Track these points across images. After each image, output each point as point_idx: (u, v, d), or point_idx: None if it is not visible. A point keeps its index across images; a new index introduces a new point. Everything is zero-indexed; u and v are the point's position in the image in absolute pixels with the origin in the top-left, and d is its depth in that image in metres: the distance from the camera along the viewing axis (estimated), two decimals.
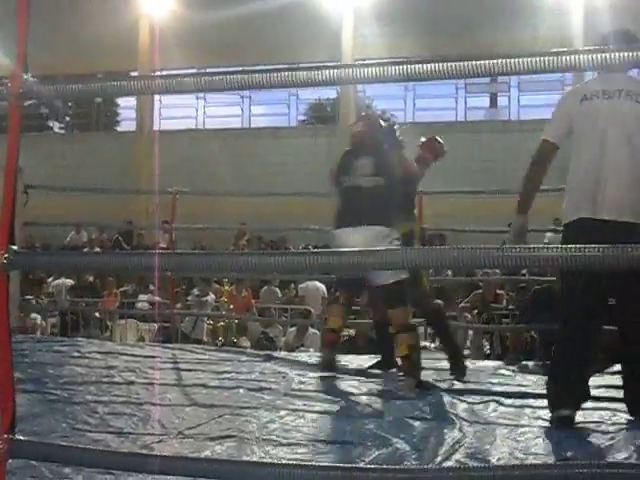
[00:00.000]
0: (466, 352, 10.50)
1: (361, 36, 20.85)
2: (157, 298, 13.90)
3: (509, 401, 5.01)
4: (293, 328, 11.30)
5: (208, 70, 19.99)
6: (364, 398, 5.14)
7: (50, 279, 15.42)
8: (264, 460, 3.51)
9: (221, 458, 3.38)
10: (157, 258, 2.54)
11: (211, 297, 12.64)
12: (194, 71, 20.08)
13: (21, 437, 2.45)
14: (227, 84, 2.42)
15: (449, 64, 2.27)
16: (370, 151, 6.02)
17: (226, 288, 12.56)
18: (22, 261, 2.52)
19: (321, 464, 3.39)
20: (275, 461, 3.39)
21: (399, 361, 5.85)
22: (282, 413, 4.54)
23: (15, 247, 2.42)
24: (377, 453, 3.69)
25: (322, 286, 12.89)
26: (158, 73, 16.70)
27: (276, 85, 2.45)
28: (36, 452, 2.52)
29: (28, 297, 11.97)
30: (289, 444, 3.84)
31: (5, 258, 2.35)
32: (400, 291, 5.71)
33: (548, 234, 15.51)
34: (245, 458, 3.57)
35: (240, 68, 17.38)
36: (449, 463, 3.49)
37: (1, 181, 2.41)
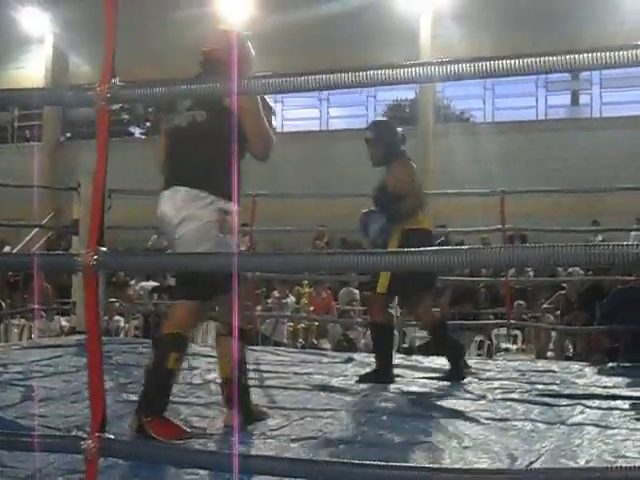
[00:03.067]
0: (549, 353, 10.37)
1: (439, 36, 20.72)
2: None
3: (595, 403, 4.93)
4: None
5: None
6: (445, 399, 5.10)
7: (132, 282, 15.66)
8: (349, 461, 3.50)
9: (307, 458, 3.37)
10: (236, 258, 2.54)
11: (291, 299, 12.70)
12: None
13: (111, 436, 2.50)
14: (310, 84, 2.42)
15: (530, 60, 2.24)
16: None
17: (306, 290, 12.60)
18: (111, 262, 2.56)
19: (409, 465, 3.37)
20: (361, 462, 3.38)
21: None
22: (367, 416, 4.52)
23: (104, 248, 2.47)
24: (466, 455, 3.66)
25: None
26: None
27: (359, 84, 2.43)
28: (126, 451, 2.56)
29: (112, 300, 12.17)
30: (373, 445, 3.82)
31: (95, 259, 2.40)
32: None
33: (633, 233, 15.24)
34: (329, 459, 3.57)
35: None
36: (537, 466, 3.44)
37: (89, 184, 2.45)
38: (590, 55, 2.17)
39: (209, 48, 4.44)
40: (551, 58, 2.21)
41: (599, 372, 6.36)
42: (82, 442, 2.47)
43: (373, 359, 7.07)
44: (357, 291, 13.38)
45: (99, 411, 2.47)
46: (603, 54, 2.16)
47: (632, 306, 7.93)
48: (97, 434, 2.45)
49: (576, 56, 2.19)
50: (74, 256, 2.50)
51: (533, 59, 2.24)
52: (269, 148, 4.26)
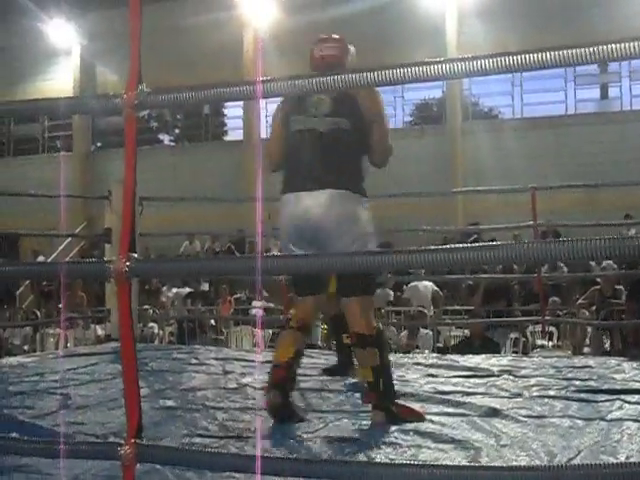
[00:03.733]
0: (586, 349, 10.30)
1: (465, 33, 20.66)
2: (271, 304, 14.07)
3: (635, 398, 4.88)
4: (405, 330, 11.26)
5: None
6: (482, 397, 5.07)
7: (164, 288, 15.74)
8: (386, 462, 3.49)
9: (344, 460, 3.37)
10: (264, 260, 2.54)
11: None
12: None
13: (147, 442, 2.51)
14: (337, 83, 2.41)
15: (555, 52, 2.22)
16: None
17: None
18: (143, 268, 2.57)
19: (446, 464, 3.36)
20: (396, 462, 3.37)
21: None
22: None
23: (136, 255, 2.47)
24: (504, 453, 3.64)
25: (431, 284, 12.81)
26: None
27: (385, 83, 2.42)
28: (162, 457, 2.57)
29: (146, 307, 12.24)
30: (409, 446, 3.81)
31: (127, 266, 2.40)
32: None
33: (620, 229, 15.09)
34: (363, 459, 3.56)
35: None
36: (577, 462, 3.41)
37: (120, 192, 2.46)
38: (617, 46, 2.15)
39: (324, 53, 4.76)
40: (576, 50, 2.20)
41: (637, 367, 6.29)
42: (119, 448, 2.48)
43: (407, 359, 7.08)
44: (390, 292, 13.36)
45: (135, 417, 2.48)
46: (630, 44, 2.14)
47: None
48: (133, 440, 2.45)
49: (602, 47, 2.17)
50: (106, 263, 2.51)
51: (558, 52, 2.22)
52: (388, 157, 4.70)
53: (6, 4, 20.80)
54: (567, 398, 4.97)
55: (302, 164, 4.39)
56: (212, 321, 13.07)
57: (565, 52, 2.22)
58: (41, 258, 18.43)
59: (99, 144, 26.00)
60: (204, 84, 2.55)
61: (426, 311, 11.81)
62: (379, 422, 4.33)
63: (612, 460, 3.45)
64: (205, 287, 15.98)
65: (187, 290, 15.41)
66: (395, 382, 5.65)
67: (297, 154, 4.44)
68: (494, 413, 4.51)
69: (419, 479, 2.29)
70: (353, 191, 4.40)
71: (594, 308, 10.77)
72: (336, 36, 4.94)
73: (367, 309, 4.49)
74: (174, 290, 15.52)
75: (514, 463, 3.45)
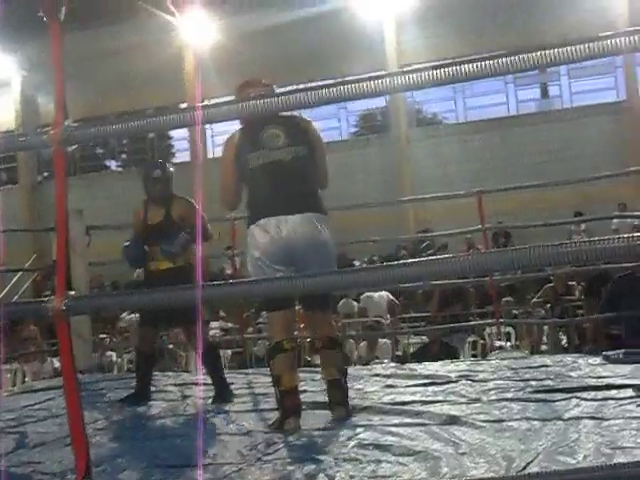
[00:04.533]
0: (543, 347, 10.38)
1: (405, 42, 20.80)
2: (229, 324, 13.99)
3: (591, 395, 4.91)
4: (364, 342, 11.25)
5: None
6: (441, 405, 5.08)
7: (124, 314, 15.57)
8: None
9: None
10: (201, 291, 2.52)
11: None
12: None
13: None
14: (276, 105, 2.41)
15: (498, 60, 2.23)
16: (276, 118, 4.82)
17: (296, 307, 12.55)
18: (81, 305, 2.53)
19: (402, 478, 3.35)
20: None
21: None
22: (359, 430, 4.49)
23: (72, 292, 2.44)
24: (463, 462, 3.63)
25: (386, 293, 12.82)
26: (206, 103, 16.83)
27: (328, 101, 2.42)
28: None
29: (102, 336, 12.12)
30: (369, 461, 3.79)
31: (64, 304, 2.37)
32: None
33: (615, 220, 15.28)
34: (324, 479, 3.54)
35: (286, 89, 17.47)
36: (534, 467, 3.42)
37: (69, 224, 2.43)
38: (555, 51, 2.17)
39: (249, 90, 4.99)
40: (515, 57, 2.21)
41: (593, 363, 6.34)
42: None
43: (365, 371, 7.07)
44: (354, 302, 13.35)
45: (83, 457, 2.43)
46: (570, 48, 2.16)
47: (634, 293, 7.95)
48: None
49: (540, 52, 2.19)
50: (44, 303, 2.47)
51: (498, 60, 2.24)
52: (327, 179, 5.13)
53: None
54: (524, 400, 4.99)
55: (274, 193, 4.74)
56: (170, 345, 12.96)
57: (504, 60, 2.23)
58: None
59: (45, 174, 25.74)
60: (137, 112, 2.53)
61: (383, 320, 11.82)
62: (342, 417, 4.80)
63: (570, 461, 3.46)
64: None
65: (135, 316, 15.26)
66: (354, 395, 5.66)
67: (266, 185, 4.78)
68: (453, 420, 4.51)
69: None
70: (322, 213, 4.85)
71: (549, 306, 10.87)
72: (264, 80, 5.25)
73: (330, 318, 5.15)
74: (129, 316, 15.35)
75: (473, 472, 3.44)
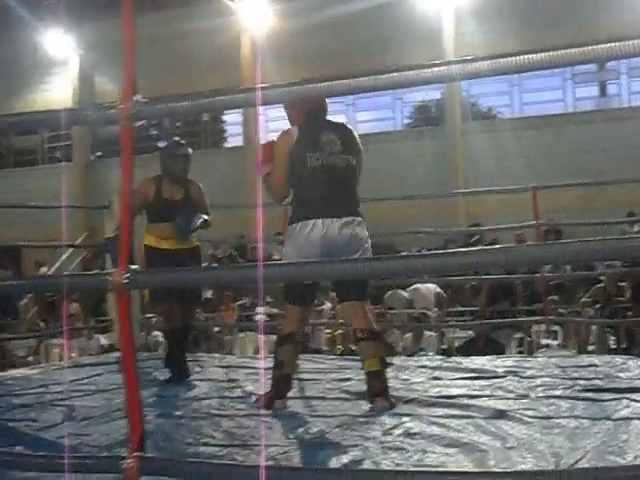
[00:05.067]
0: (590, 347, 10.28)
1: (462, 34, 20.62)
2: (275, 310, 14.03)
3: None
4: (409, 333, 11.23)
5: None
6: (487, 399, 5.05)
7: None
8: (392, 468, 3.47)
9: (353, 468, 3.34)
10: (267, 269, 2.53)
11: (327, 305, 12.67)
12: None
13: (151, 454, 2.49)
14: (333, 90, 2.40)
15: (558, 52, 2.21)
16: (333, 125, 5.20)
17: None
18: (142, 280, 2.55)
19: (453, 469, 3.34)
20: (405, 469, 3.36)
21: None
22: (405, 419, 4.49)
23: (135, 267, 2.46)
24: (511, 456, 3.61)
25: (434, 286, 12.77)
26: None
27: (381, 88, 2.41)
28: (166, 469, 2.55)
29: (149, 315, 12.23)
30: (415, 450, 3.79)
31: (126, 278, 2.39)
32: None
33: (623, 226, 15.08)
34: (371, 467, 3.54)
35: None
36: (583, 464, 3.39)
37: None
38: (616, 45, 2.14)
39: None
40: (574, 50, 2.19)
41: None
42: (121, 462, 2.46)
43: (411, 362, 7.06)
44: (405, 294, 13.32)
45: (137, 430, 2.46)
46: (627, 43, 2.13)
47: None
48: (136, 453, 2.44)
49: (600, 46, 2.16)
50: (105, 275, 2.50)
51: (555, 52, 2.21)
52: None
53: (3, 16, 20.82)
54: (573, 398, 4.94)
55: (325, 195, 4.95)
56: (216, 328, 13.05)
57: (563, 52, 2.21)
58: (44, 269, 18.42)
59: (99, 153, 25.97)
60: (199, 92, 2.54)
61: (429, 313, 11.78)
62: (383, 408, 4.82)
63: (620, 461, 3.42)
64: (208, 294, 15.93)
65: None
66: (401, 386, 5.66)
67: (319, 186, 4.96)
68: (500, 415, 4.48)
69: None
70: (362, 217, 5.10)
71: (598, 306, 10.76)
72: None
73: (368, 309, 5.16)
74: None
75: (521, 466, 3.43)
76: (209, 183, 22.56)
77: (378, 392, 4.94)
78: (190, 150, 6.85)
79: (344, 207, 5.00)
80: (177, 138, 7.34)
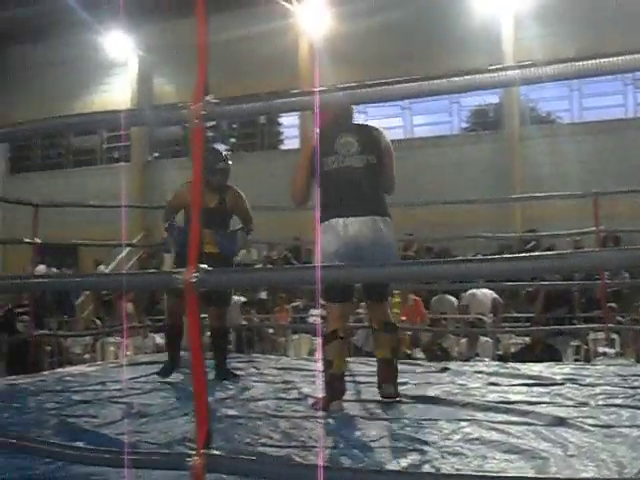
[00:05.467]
0: None
1: (522, 38, 20.42)
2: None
3: None
4: (465, 339, 11.17)
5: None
6: (546, 406, 5.00)
7: None
8: (451, 472, 3.46)
9: (411, 471, 3.34)
10: (324, 271, 2.54)
11: None
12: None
13: (217, 452, 2.51)
14: (392, 93, 2.40)
15: (620, 58, 2.18)
16: (351, 127, 5.42)
17: (397, 299, 12.52)
18: (211, 280, 2.57)
19: (510, 475, 3.32)
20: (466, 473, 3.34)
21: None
22: (464, 424, 4.47)
23: (205, 266, 2.48)
24: (572, 464, 3.58)
25: (490, 292, 12.70)
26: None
27: (439, 92, 2.40)
28: (232, 467, 2.56)
29: (203, 315, 12.32)
30: (475, 456, 3.76)
31: (195, 277, 2.41)
32: None
33: None
34: (429, 470, 3.53)
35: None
36: None
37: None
38: None
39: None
40: (635, 56, 2.16)
41: None
42: (188, 458, 2.48)
43: (468, 368, 7.03)
44: (453, 298, 13.27)
45: (204, 427, 2.48)
46: None
47: None
48: (203, 450, 2.45)
49: None
50: (174, 274, 2.53)
51: (616, 58, 2.18)
52: (394, 185, 5.55)
53: (64, 18, 21.08)
54: (634, 407, 4.88)
55: (344, 195, 5.15)
56: (270, 329, 13.10)
57: (624, 58, 2.18)
58: (101, 268, 18.66)
59: (156, 154, 26.20)
60: (268, 94, 2.55)
61: (485, 318, 11.71)
62: (391, 395, 5.27)
63: None
64: (263, 295, 16.01)
65: (240, 298, 15.44)
66: (458, 391, 5.64)
67: (337, 188, 5.18)
68: (560, 422, 4.44)
69: None
70: (386, 216, 5.29)
71: None
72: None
73: (387, 308, 5.56)
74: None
75: (583, 474, 3.39)
76: (264, 185, 22.89)
77: (386, 379, 5.33)
78: (229, 160, 6.99)
79: (363, 206, 5.15)
80: (220, 146, 7.58)
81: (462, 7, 20.67)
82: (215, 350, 6.94)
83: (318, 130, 5.34)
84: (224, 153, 7.07)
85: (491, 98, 21.72)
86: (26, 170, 28.08)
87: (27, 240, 8.06)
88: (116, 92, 25.70)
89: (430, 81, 2.36)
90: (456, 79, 2.33)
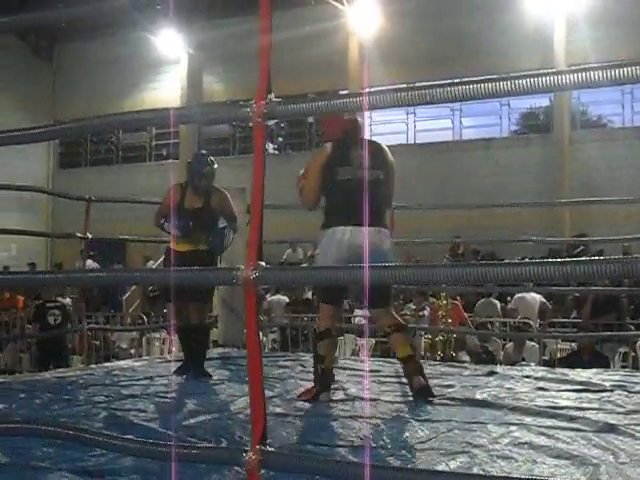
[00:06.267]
0: None
1: (574, 41, 20.20)
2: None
3: None
4: (511, 342, 11.08)
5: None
6: (596, 413, 4.96)
7: (267, 295, 15.83)
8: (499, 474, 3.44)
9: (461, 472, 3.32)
10: (371, 270, 2.54)
11: (427, 311, 12.61)
12: (404, 86, 20.19)
13: (272, 449, 2.52)
14: (441, 95, 2.40)
15: None
16: (363, 143, 5.69)
17: (443, 302, 12.47)
18: (270, 276, 2.59)
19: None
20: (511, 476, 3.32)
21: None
22: (512, 428, 4.44)
23: (263, 263, 2.50)
24: (624, 471, 3.54)
25: (539, 296, 12.60)
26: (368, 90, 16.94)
27: (489, 95, 2.38)
28: (287, 464, 2.57)
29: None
30: (524, 460, 3.74)
31: (255, 274, 2.43)
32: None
33: None
34: (480, 473, 3.51)
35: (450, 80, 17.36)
36: None
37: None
38: None
39: (350, 117, 5.72)
40: None
41: None
42: (244, 454, 2.49)
43: (515, 372, 6.98)
44: (497, 302, 13.19)
45: (260, 424, 2.49)
46: None
47: None
48: (258, 446, 2.47)
49: None
50: (233, 270, 2.55)
51: None
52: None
53: (117, 17, 21.30)
54: None
55: (354, 205, 5.30)
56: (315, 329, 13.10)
57: None
58: (150, 263, 18.79)
59: (203, 151, 26.29)
60: (326, 95, 2.56)
61: (532, 322, 11.62)
62: (423, 387, 5.42)
63: None
64: (308, 295, 16.04)
65: (284, 298, 15.48)
66: (505, 395, 5.60)
67: (347, 197, 5.44)
68: (610, 429, 4.40)
69: None
70: (387, 228, 5.67)
71: None
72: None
73: (392, 311, 5.80)
74: (271, 297, 15.61)
75: None
76: None
77: (413, 372, 5.48)
78: (214, 165, 7.18)
79: (371, 217, 5.31)
80: (202, 152, 7.85)
81: (513, 8, 20.53)
82: (193, 347, 7.12)
83: (331, 140, 5.76)
84: (210, 158, 7.27)
85: (542, 101, 21.54)
86: (75, 166, 28.41)
87: (79, 235, 8.15)
88: (165, 90, 25.90)
89: (481, 84, 2.35)
90: (506, 82, 2.32)
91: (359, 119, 5.84)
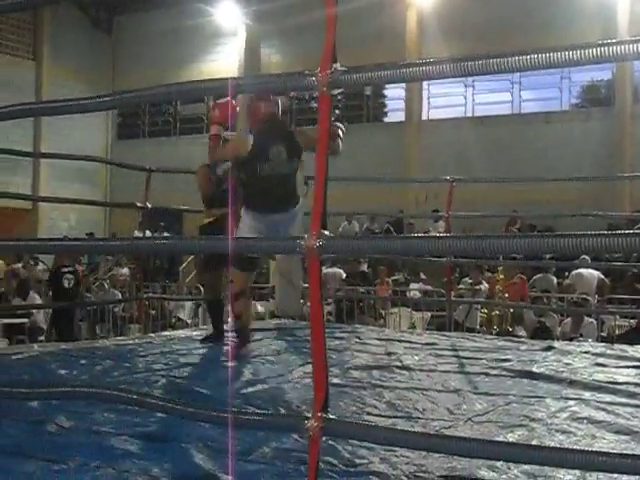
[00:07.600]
0: None
1: (637, 12, 19.80)
2: (429, 287, 14.02)
3: None
4: (568, 318, 11.00)
5: None
6: None
7: (323, 268, 15.85)
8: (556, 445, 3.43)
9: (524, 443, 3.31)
10: (436, 241, 2.54)
11: (484, 285, 12.57)
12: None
13: (334, 416, 2.54)
14: (501, 66, 2.37)
15: None
16: (281, 135, 6.05)
17: (500, 276, 12.42)
18: (333, 246, 2.60)
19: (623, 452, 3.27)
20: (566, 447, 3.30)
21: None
22: (571, 403, 4.42)
23: (327, 232, 2.51)
24: None
25: (597, 272, 12.48)
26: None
27: (550, 65, 2.34)
28: (348, 432, 2.59)
29: (305, 285, 12.42)
30: (583, 435, 3.73)
31: (319, 243, 2.44)
32: None
33: None
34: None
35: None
36: None
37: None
38: None
39: (266, 110, 6.09)
40: None
41: None
42: (306, 421, 2.51)
43: (573, 347, 6.94)
44: (553, 277, 13.09)
45: (322, 391, 2.51)
46: None
47: None
48: (320, 414, 2.49)
49: None
50: (297, 239, 2.56)
51: None
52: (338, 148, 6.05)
53: None
54: None
55: (271, 195, 5.93)
56: (370, 302, 13.14)
57: None
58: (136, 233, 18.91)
59: None
60: (391, 63, 2.54)
61: (590, 299, 11.52)
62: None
63: None
64: (364, 267, 16.07)
65: (336, 269, 15.50)
66: (563, 370, 5.57)
67: (266, 189, 5.90)
68: None
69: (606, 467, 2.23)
70: (297, 205, 6.10)
71: None
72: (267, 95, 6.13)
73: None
74: (329, 270, 15.64)
75: None
76: (368, 156, 22.76)
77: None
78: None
79: (285, 203, 5.99)
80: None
81: None
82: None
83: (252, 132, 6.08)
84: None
85: (603, 74, 21.15)
86: (133, 137, 28.63)
87: (139, 204, 8.23)
88: (223, 62, 25.93)
89: (540, 54, 2.31)
90: (567, 52, 2.28)
91: (274, 111, 6.13)
